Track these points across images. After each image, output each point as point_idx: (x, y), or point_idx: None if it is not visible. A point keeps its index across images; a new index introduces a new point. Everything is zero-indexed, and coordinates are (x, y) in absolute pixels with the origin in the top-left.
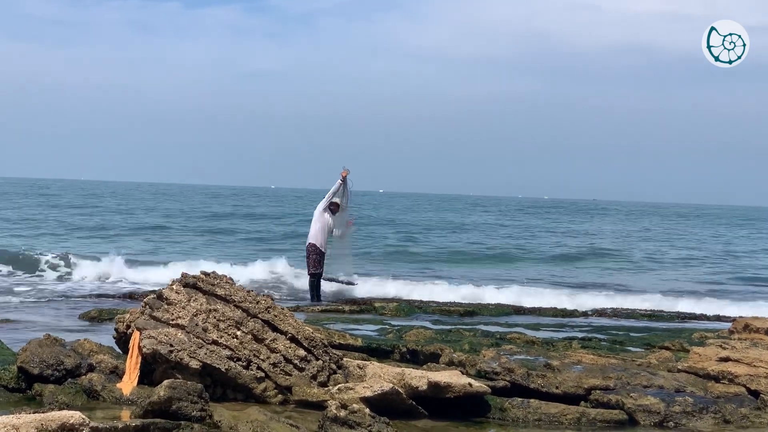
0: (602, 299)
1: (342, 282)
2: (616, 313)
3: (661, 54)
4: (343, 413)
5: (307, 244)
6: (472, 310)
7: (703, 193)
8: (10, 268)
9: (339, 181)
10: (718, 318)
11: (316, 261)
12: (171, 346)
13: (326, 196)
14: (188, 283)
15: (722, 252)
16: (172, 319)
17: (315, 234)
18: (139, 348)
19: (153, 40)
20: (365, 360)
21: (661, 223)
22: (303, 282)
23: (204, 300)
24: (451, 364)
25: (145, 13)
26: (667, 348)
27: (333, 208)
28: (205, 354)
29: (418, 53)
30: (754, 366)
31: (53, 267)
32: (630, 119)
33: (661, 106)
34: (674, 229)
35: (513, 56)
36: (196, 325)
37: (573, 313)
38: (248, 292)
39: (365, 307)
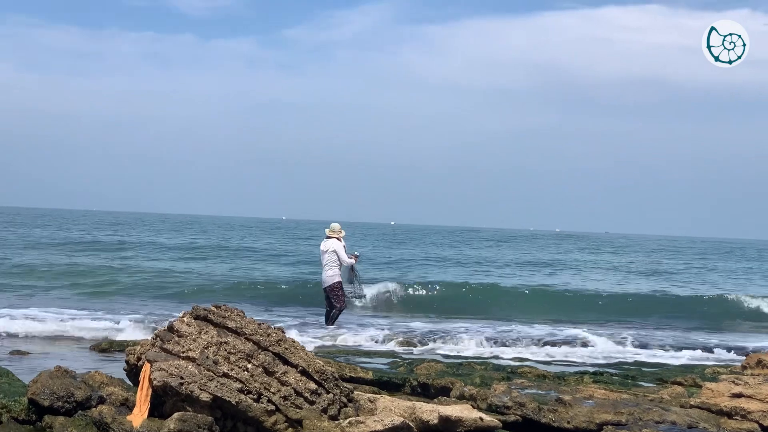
0: None
1: (355, 296)
2: None
3: (675, 87)
4: None
5: (333, 283)
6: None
7: (716, 226)
8: None
9: (352, 262)
10: None
11: (343, 295)
12: (181, 378)
13: (341, 257)
14: (199, 316)
15: None
16: (183, 352)
17: (335, 274)
18: (150, 380)
19: (167, 72)
20: (376, 393)
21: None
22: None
23: (215, 332)
24: (462, 397)
25: (160, 45)
26: (679, 383)
27: (336, 237)
28: (216, 387)
29: (432, 85)
30: (767, 402)
31: None
32: (642, 152)
33: (676, 139)
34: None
35: (527, 88)
36: (207, 357)
37: None
38: (259, 324)
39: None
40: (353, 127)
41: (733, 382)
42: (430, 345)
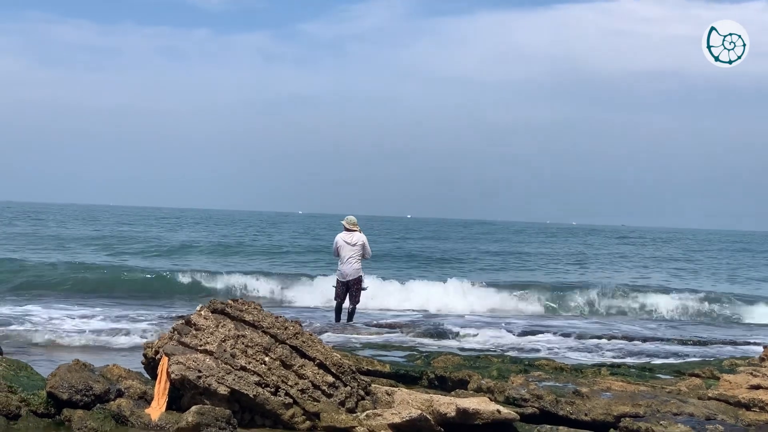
0: None
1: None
2: None
3: (694, 79)
4: None
5: (359, 276)
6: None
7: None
8: None
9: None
10: None
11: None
12: (199, 371)
13: (368, 250)
14: (216, 309)
15: None
16: (201, 345)
17: (361, 268)
18: (168, 374)
19: (183, 66)
20: (393, 386)
21: None
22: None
23: (232, 326)
24: (479, 390)
25: (176, 40)
26: (697, 375)
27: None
28: (234, 380)
29: (447, 78)
30: None
31: None
32: (660, 144)
33: (690, 131)
34: None
35: (542, 81)
36: (225, 350)
37: None
38: (276, 317)
39: None
40: (368, 121)
41: (751, 373)
42: None
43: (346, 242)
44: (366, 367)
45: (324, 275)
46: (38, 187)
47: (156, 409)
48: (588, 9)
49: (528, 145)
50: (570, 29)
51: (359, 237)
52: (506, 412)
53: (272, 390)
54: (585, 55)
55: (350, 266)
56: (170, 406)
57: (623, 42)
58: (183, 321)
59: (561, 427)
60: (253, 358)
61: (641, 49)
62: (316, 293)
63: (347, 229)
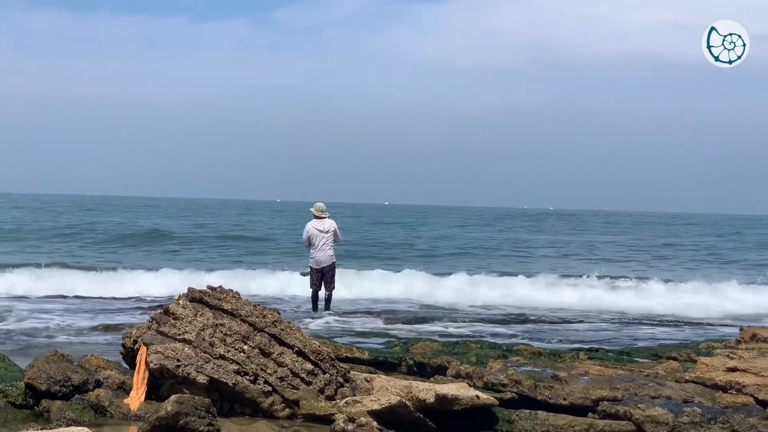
0: None
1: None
2: None
3: (666, 63)
4: (350, 427)
5: (333, 263)
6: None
7: (707, 201)
8: None
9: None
10: None
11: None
12: (178, 361)
13: (339, 236)
14: (195, 298)
15: None
16: (179, 334)
17: (334, 254)
18: (147, 363)
19: (159, 54)
20: (372, 373)
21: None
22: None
23: (211, 315)
24: (458, 376)
25: (152, 28)
26: (674, 358)
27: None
28: (213, 369)
29: (424, 65)
30: (762, 376)
31: None
32: (634, 129)
33: (666, 116)
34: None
35: (519, 67)
36: (203, 339)
37: None
38: (255, 306)
39: None
40: (344, 107)
41: (728, 356)
42: None
43: (317, 230)
44: (345, 354)
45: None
46: (6, 177)
47: (135, 399)
48: None
49: (504, 130)
50: (545, 14)
51: (330, 223)
52: (485, 397)
53: (251, 378)
54: (561, 40)
55: (324, 253)
56: (149, 396)
57: (599, 27)
58: (161, 310)
59: (540, 412)
60: (232, 347)
61: (618, 34)
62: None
63: (317, 217)
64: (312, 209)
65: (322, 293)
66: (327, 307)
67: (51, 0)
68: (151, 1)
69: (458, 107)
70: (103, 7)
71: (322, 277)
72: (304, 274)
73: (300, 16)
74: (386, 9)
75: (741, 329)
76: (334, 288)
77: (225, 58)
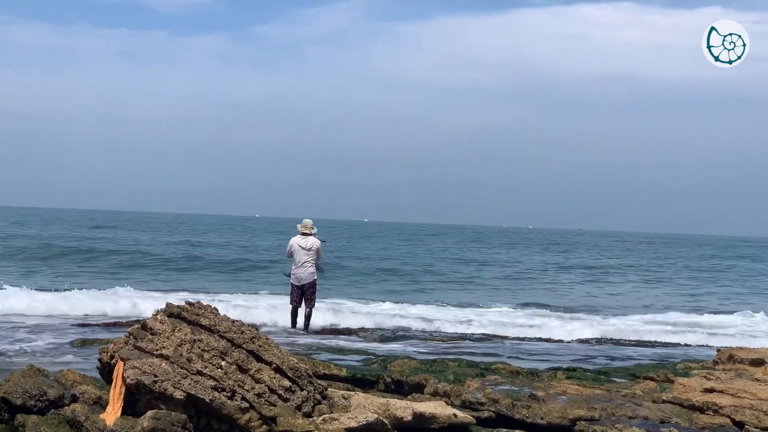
0: None
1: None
2: None
3: (647, 83)
4: None
5: (313, 280)
6: None
7: (685, 223)
8: None
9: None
10: None
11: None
12: (155, 376)
13: (321, 256)
14: (173, 313)
15: None
16: (157, 350)
17: (315, 272)
18: (123, 378)
19: (140, 69)
20: (350, 390)
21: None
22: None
23: (188, 330)
24: (435, 394)
25: (133, 42)
26: (651, 378)
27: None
28: (190, 384)
29: (404, 82)
30: (739, 397)
31: None
32: (614, 149)
33: (646, 136)
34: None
35: (498, 85)
36: (181, 355)
37: None
38: (233, 322)
39: None
40: (325, 124)
41: (705, 377)
42: None
43: (300, 246)
44: (323, 371)
45: None
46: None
47: (111, 414)
48: (543, 13)
49: (483, 148)
50: (525, 33)
51: (314, 242)
52: (462, 416)
53: (228, 394)
54: (539, 59)
55: (305, 270)
56: (125, 411)
57: (578, 47)
58: (139, 325)
59: (517, 431)
60: (210, 363)
61: (596, 53)
62: None
63: (303, 233)
64: (299, 225)
65: (302, 309)
66: (306, 324)
67: (30, 12)
68: (131, 14)
69: (437, 124)
70: (82, 21)
71: (302, 294)
72: (286, 274)
73: (281, 33)
74: (368, 26)
75: (718, 350)
76: (314, 305)
77: (206, 72)
